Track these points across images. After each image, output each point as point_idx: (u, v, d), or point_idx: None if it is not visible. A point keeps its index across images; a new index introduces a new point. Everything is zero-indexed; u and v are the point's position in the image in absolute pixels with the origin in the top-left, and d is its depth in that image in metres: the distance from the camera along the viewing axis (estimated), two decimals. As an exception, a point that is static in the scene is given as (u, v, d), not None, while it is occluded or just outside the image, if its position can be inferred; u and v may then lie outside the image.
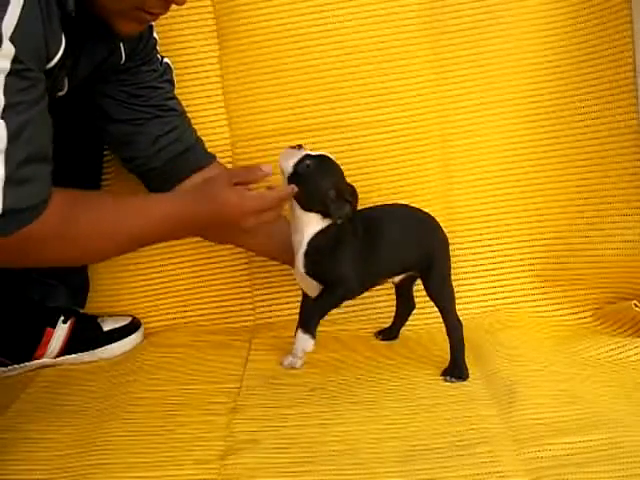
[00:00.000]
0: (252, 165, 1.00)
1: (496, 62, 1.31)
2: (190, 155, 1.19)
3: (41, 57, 0.87)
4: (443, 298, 1.13)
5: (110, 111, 1.14)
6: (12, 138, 0.82)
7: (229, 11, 1.30)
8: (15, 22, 0.80)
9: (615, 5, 1.24)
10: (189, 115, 1.25)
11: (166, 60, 1.19)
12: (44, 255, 0.93)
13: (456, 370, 1.10)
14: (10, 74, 0.81)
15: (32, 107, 0.85)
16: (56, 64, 0.91)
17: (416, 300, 1.26)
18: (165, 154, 1.17)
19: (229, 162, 1.35)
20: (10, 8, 0.80)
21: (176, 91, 1.23)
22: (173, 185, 1.17)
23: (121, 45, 1.08)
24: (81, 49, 1.00)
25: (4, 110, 0.81)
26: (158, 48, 1.18)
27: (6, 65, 0.80)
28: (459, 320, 1.13)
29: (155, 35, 1.16)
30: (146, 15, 0.96)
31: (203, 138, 1.28)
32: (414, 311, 1.27)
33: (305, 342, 1.08)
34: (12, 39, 0.80)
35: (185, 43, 1.30)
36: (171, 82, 1.20)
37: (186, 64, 1.31)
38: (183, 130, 1.20)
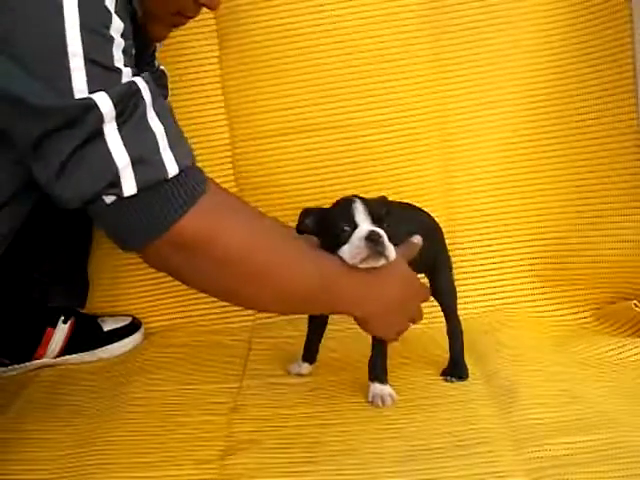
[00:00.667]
0: (409, 242, 0.96)
1: (496, 62, 1.31)
2: None
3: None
4: (450, 297, 1.13)
5: None
6: (153, 91, 0.77)
7: (229, 11, 1.30)
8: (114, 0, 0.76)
9: (615, 5, 1.24)
10: (189, 115, 1.25)
11: (162, 67, 1.19)
12: (225, 251, 0.79)
13: (456, 370, 1.10)
14: (124, 51, 0.77)
15: (150, 83, 0.80)
16: None
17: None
18: None
19: (229, 162, 1.35)
20: None
21: (176, 91, 1.24)
22: None
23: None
24: None
25: (135, 74, 0.76)
26: (157, 54, 1.17)
27: (120, 39, 0.76)
28: (459, 320, 1.13)
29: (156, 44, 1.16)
30: (182, 19, 0.98)
31: (203, 138, 1.28)
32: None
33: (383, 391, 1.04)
34: (118, 14, 0.76)
35: (185, 43, 1.30)
36: (165, 87, 1.20)
37: (186, 64, 1.31)
38: None
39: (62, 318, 1.25)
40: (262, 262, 0.81)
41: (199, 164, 1.33)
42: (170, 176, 0.76)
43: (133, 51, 0.82)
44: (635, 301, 1.23)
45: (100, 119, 0.72)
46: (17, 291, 1.22)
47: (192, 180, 0.78)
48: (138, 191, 0.74)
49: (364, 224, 0.91)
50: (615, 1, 1.24)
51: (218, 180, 1.31)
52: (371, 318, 0.94)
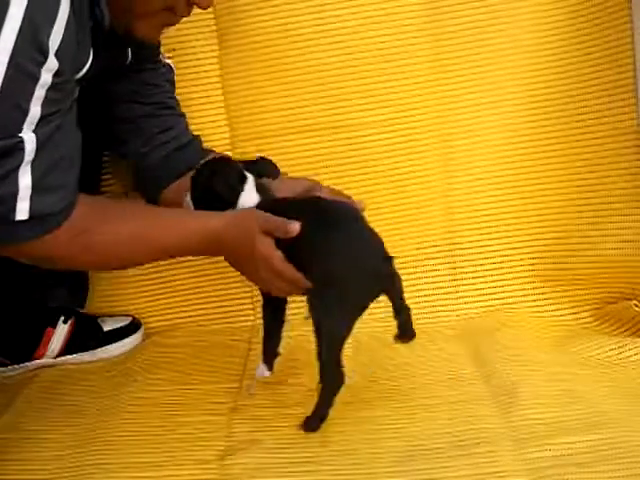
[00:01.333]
0: (282, 220, 0.95)
1: (496, 62, 1.31)
2: (186, 152, 1.18)
3: (76, 68, 0.88)
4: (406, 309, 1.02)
5: (111, 108, 1.15)
6: (40, 148, 0.82)
7: (229, 11, 1.30)
8: (60, 37, 0.80)
9: (615, 5, 1.24)
10: (189, 115, 1.25)
11: (168, 61, 1.20)
12: (71, 261, 0.95)
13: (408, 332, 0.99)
14: (51, 88, 0.81)
15: (65, 115, 0.86)
16: (83, 76, 0.91)
17: (413, 299, 1.26)
18: (161, 151, 1.16)
19: (229, 162, 1.35)
20: (57, 22, 0.79)
21: (176, 91, 1.23)
22: (168, 182, 1.15)
23: (128, 50, 1.09)
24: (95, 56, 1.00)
25: (38, 122, 0.81)
26: (161, 49, 1.18)
27: (48, 79, 0.80)
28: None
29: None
30: (172, 17, 0.97)
31: (203, 138, 1.27)
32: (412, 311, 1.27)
33: None
34: (57, 54, 0.80)
35: (185, 43, 1.30)
36: (172, 83, 1.21)
37: (186, 64, 1.31)
38: (181, 129, 1.20)
39: (62, 318, 1.25)
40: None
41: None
42: (17, 220, 0.84)
43: (71, 72, 0.85)
44: (635, 301, 1.23)
45: None
46: (17, 291, 1.22)
47: (41, 224, 0.86)
48: None
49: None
50: (615, 1, 1.24)
51: (218, 180, 1.33)
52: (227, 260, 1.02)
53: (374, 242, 0.96)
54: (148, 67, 1.16)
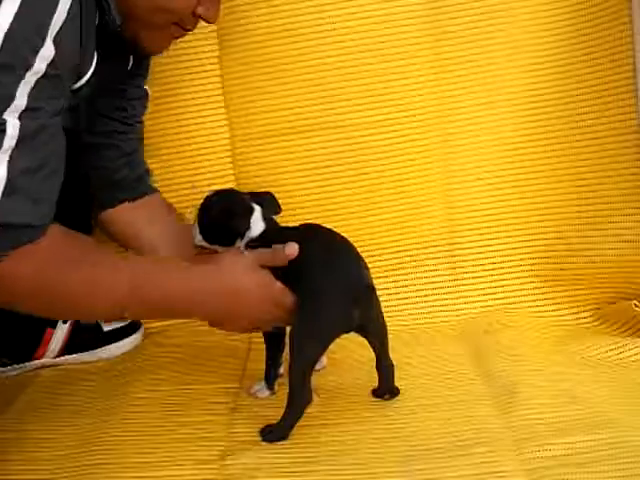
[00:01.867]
0: (276, 248, 0.95)
1: (496, 62, 1.31)
2: (141, 182, 1.19)
3: (74, 72, 0.85)
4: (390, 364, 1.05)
5: (92, 122, 1.13)
6: (21, 141, 0.76)
7: (229, 11, 1.30)
8: (60, 24, 0.77)
9: (615, 5, 1.24)
10: (189, 115, 1.25)
11: (146, 87, 1.19)
12: (20, 297, 0.85)
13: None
14: (43, 77, 0.77)
15: (52, 117, 0.81)
16: (83, 85, 0.89)
17: (413, 299, 1.27)
18: (120, 172, 1.16)
19: (229, 162, 1.35)
20: (59, 8, 0.76)
21: (176, 91, 1.24)
22: (111, 206, 1.16)
23: (130, 57, 1.09)
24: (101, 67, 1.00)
25: (22, 113, 0.76)
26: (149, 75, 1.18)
27: (42, 67, 0.76)
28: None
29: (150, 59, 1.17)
30: (179, 29, 0.97)
31: (203, 138, 1.28)
32: (412, 312, 1.28)
33: None
34: (55, 41, 0.76)
35: (185, 43, 1.30)
36: (146, 108, 1.20)
37: (186, 64, 1.31)
38: (140, 157, 1.20)
39: (62, 318, 1.25)
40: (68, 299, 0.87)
41: (199, 164, 1.35)
42: None
43: (70, 73, 0.82)
44: (635, 301, 1.23)
45: None
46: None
47: (8, 236, 0.78)
48: None
49: None
50: (615, 1, 1.24)
51: (218, 180, 1.34)
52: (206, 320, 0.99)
53: (359, 271, 0.97)
54: (135, 83, 1.16)
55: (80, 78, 0.88)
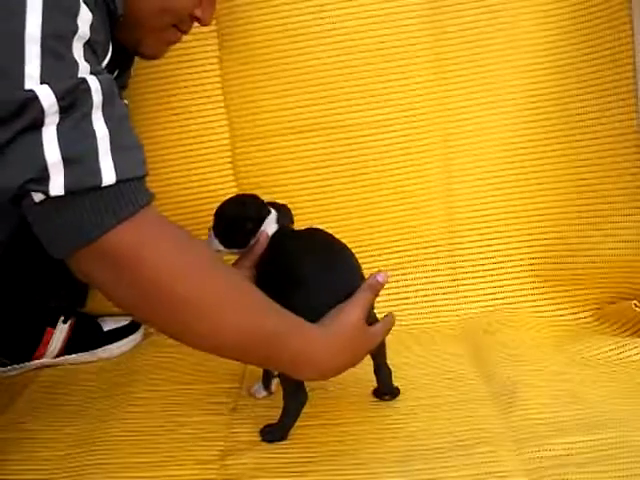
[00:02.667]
0: (370, 281, 0.92)
1: (496, 62, 1.31)
2: None
3: (105, 40, 0.82)
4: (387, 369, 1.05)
5: None
6: (106, 94, 0.72)
7: (229, 11, 1.30)
8: None
9: (615, 5, 1.24)
10: (189, 115, 1.25)
11: (126, 101, 1.19)
12: (159, 268, 0.73)
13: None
14: (88, 43, 0.73)
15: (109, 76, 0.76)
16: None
17: (413, 299, 1.26)
18: None
19: (229, 162, 1.35)
20: None
21: (176, 91, 1.24)
22: None
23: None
24: None
25: (92, 72, 0.72)
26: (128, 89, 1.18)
27: (86, 30, 0.72)
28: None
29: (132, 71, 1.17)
30: (177, 33, 0.98)
31: (203, 138, 1.28)
32: (412, 312, 1.27)
33: None
34: (88, 5, 0.73)
35: (185, 43, 1.29)
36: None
37: (186, 64, 1.31)
38: None
39: (62, 318, 1.25)
40: (195, 294, 0.75)
41: (199, 164, 1.35)
42: (104, 184, 0.70)
43: (102, 48, 0.80)
44: (635, 301, 1.23)
45: (41, 112, 0.68)
46: (17, 291, 1.22)
47: (131, 193, 0.72)
48: (66, 193, 0.69)
49: None
50: (615, 1, 1.24)
51: (218, 180, 1.34)
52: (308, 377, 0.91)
53: (354, 277, 0.97)
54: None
55: (103, 58, 0.86)
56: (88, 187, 0.70)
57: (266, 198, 1.34)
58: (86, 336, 1.26)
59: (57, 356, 1.24)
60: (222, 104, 1.34)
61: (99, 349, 1.26)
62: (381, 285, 0.93)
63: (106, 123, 0.72)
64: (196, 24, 1.01)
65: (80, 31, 0.72)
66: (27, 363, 1.23)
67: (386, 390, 1.04)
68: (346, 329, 0.87)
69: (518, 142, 1.33)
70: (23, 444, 0.98)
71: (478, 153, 1.34)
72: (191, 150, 1.34)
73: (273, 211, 1.05)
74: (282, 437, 0.95)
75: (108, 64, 0.90)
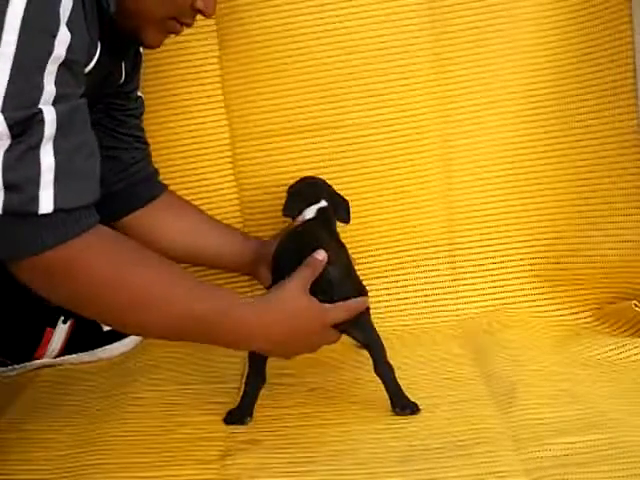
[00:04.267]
0: (310, 260, 0.95)
1: (496, 62, 1.31)
2: (146, 184, 1.20)
3: (87, 53, 0.83)
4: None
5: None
6: (61, 126, 0.75)
7: (229, 11, 1.30)
8: (70, 7, 0.75)
9: (615, 5, 1.24)
10: (189, 115, 1.25)
11: (140, 94, 1.20)
12: (91, 283, 0.80)
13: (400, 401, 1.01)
14: (63, 64, 0.75)
15: (79, 99, 0.80)
16: (88, 72, 0.88)
17: (413, 299, 1.27)
18: (130, 180, 1.17)
19: (229, 162, 1.35)
20: None
21: (176, 91, 1.24)
22: (131, 210, 1.17)
23: (122, 64, 1.09)
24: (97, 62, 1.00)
25: (55, 100, 0.74)
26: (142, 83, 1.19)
27: (62, 52, 0.74)
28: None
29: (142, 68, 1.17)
30: (177, 25, 0.97)
31: (203, 138, 1.27)
32: (412, 312, 1.27)
33: None
34: (68, 26, 0.75)
35: (185, 43, 1.30)
36: (143, 113, 1.21)
37: (186, 64, 1.31)
38: (147, 160, 1.21)
39: (62, 318, 1.24)
40: (124, 295, 0.82)
41: (199, 164, 1.35)
42: (41, 212, 0.74)
43: (81, 62, 0.81)
44: (635, 301, 1.23)
45: None
46: (17, 291, 1.22)
47: (68, 221, 0.76)
48: (4, 213, 0.73)
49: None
50: (615, 1, 1.24)
51: (218, 180, 1.34)
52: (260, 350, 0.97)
53: (353, 273, 1.03)
54: (133, 96, 1.16)
55: (86, 65, 0.87)
56: (25, 213, 0.74)
57: (266, 198, 1.35)
58: (86, 336, 1.26)
59: (57, 356, 1.24)
60: (222, 104, 1.33)
61: (99, 349, 1.26)
62: (319, 262, 0.94)
63: (55, 154, 0.74)
64: (199, 16, 1.00)
65: (56, 52, 0.74)
66: (27, 363, 1.23)
67: (395, 400, 1.00)
68: (281, 300, 0.93)
69: (518, 142, 1.33)
70: (23, 444, 0.98)
71: (478, 153, 1.34)
72: (191, 150, 1.34)
73: (323, 201, 1.11)
74: (241, 419, 0.99)
75: (101, 58, 0.91)
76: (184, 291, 0.87)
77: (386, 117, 1.32)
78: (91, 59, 0.89)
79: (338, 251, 1.02)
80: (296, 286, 0.93)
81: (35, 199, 0.74)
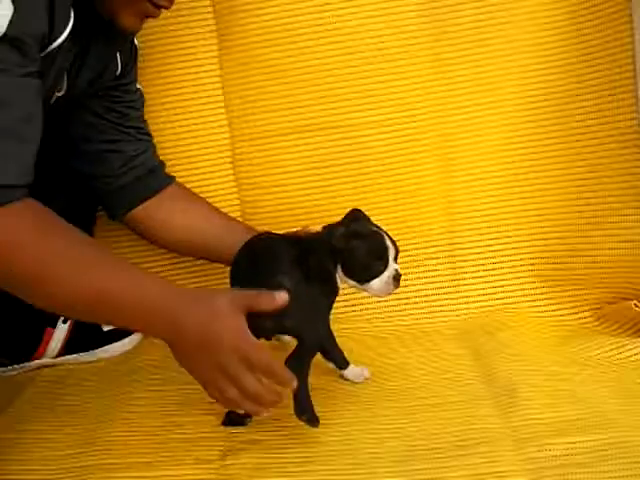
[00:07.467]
0: (265, 294, 0.88)
1: (496, 62, 1.31)
2: (155, 176, 1.20)
3: (40, 38, 0.82)
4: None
5: (94, 128, 1.14)
6: None
7: (229, 11, 1.30)
8: None
9: (615, 5, 1.24)
10: (189, 115, 1.25)
11: (139, 87, 1.20)
12: (11, 268, 0.80)
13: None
14: (3, 39, 0.75)
15: (18, 77, 0.79)
16: (59, 46, 0.87)
17: (413, 299, 1.27)
18: (135, 173, 1.17)
19: (229, 162, 1.35)
20: None
21: (176, 91, 1.23)
22: (138, 203, 1.18)
23: (117, 56, 1.09)
24: (86, 53, 1.00)
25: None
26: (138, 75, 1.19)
27: (2, 25, 0.74)
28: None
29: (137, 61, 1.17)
30: (150, 7, 0.96)
31: (203, 138, 1.27)
32: (412, 312, 1.27)
33: None
34: (13, 0, 0.74)
35: (185, 43, 1.30)
36: (143, 105, 1.22)
37: (186, 64, 1.31)
38: (151, 153, 1.21)
39: (62, 318, 1.25)
40: (30, 267, 0.81)
41: (199, 164, 1.35)
42: None
43: (32, 44, 0.80)
44: (635, 301, 1.23)
45: None
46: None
47: None
48: None
49: (392, 263, 1.01)
50: (615, 1, 1.24)
51: (218, 180, 1.34)
52: (176, 352, 0.89)
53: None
54: (131, 88, 1.17)
55: (54, 40, 0.86)
56: None
57: (266, 198, 1.35)
58: (86, 336, 1.26)
59: (57, 356, 1.24)
60: (222, 104, 1.34)
61: (99, 349, 1.26)
62: (269, 301, 0.87)
63: None
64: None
65: None
66: (27, 363, 1.23)
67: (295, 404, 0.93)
68: (205, 300, 0.86)
69: (518, 142, 1.33)
70: (23, 444, 0.98)
71: (478, 153, 1.34)
72: (191, 150, 1.34)
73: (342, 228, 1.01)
74: (241, 422, 0.98)
75: (73, 34, 0.90)
76: (87, 263, 0.84)
77: (386, 117, 1.32)
78: (61, 33, 0.87)
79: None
80: (232, 300, 0.86)
81: None
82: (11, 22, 0.75)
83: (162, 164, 1.23)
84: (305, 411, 0.93)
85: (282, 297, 0.88)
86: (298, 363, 0.93)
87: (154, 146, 1.23)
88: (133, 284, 0.85)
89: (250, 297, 0.87)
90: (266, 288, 0.89)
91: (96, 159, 1.16)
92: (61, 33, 0.88)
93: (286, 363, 0.91)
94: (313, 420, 0.93)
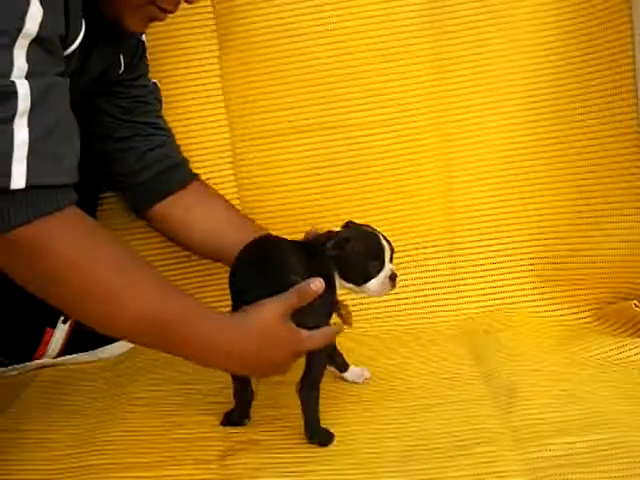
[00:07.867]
0: (302, 287, 0.90)
1: (496, 62, 1.31)
2: (175, 173, 1.19)
3: (63, 35, 0.82)
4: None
5: (104, 126, 1.14)
6: (36, 102, 0.73)
7: (229, 11, 1.30)
8: None
9: (615, 5, 1.24)
10: (189, 115, 1.25)
11: (154, 80, 1.20)
12: (54, 266, 0.77)
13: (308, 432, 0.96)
14: (35, 40, 0.74)
15: (55, 79, 0.78)
16: (72, 52, 0.87)
17: (413, 299, 1.27)
18: (151, 170, 1.17)
19: (229, 162, 1.35)
20: None
21: (176, 91, 1.23)
22: (159, 200, 1.17)
23: (120, 56, 1.09)
24: (90, 52, 1.00)
25: (28, 74, 0.73)
26: (148, 64, 1.19)
27: (33, 28, 0.73)
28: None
29: (147, 55, 1.17)
30: (156, 10, 0.96)
31: (203, 138, 1.27)
32: (412, 312, 1.27)
33: None
34: (41, 2, 0.74)
35: (185, 43, 1.30)
36: (159, 101, 1.21)
37: (186, 64, 1.31)
38: (170, 148, 1.20)
39: (62, 318, 1.24)
40: (88, 285, 0.80)
41: (200, 164, 1.35)
42: (13, 188, 0.72)
43: (59, 39, 0.79)
44: (635, 301, 1.23)
45: None
46: (17, 291, 1.22)
47: (40, 199, 0.75)
48: None
49: (388, 263, 1.01)
50: (615, 1, 1.24)
51: (218, 180, 1.34)
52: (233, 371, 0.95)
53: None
54: (138, 83, 1.16)
55: (68, 46, 0.86)
56: None
57: (266, 198, 1.35)
58: (86, 336, 1.26)
59: (57, 356, 1.24)
60: (222, 104, 1.34)
61: (99, 349, 1.26)
62: (311, 292, 0.89)
63: (29, 129, 0.73)
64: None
65: (26, 28, 0.73)
66: (27, 363, 1.23)
67: (306, 427, 0.95)
68: (255, 322, 0.88)
69: (518, 142, 1.33)
70: (23, 444, 0.98)
71: (478, 153, 1.34)
72: (191, 150, 1.34)
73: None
74: (239, 422, 1.00)
75: (85, 39, 0.90)
76: (147, 290, 0.83)
77: (386, 117, 1.32)
78: (74, 40, 0.88)
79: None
80: (277, 310, 0.88)
81: (8, 174, 0.72)
82: (42, 23, 0.75)
83: (185, 161, 1.22)
84: (315, 435, 0.94)
85: (317, 285, 0.90)
86: (311, 383, 0.95)
87: (174, 142, 1.21)
88: (185, 320, 0.85)
89: (289, 299, 0.89)
90: (282, 287, 0.90)
91: (112, 158, 1.15)
92: (73, 41, 0.88)
93: (300, 386, 0.94)
94: (325, 440, 0.94)
